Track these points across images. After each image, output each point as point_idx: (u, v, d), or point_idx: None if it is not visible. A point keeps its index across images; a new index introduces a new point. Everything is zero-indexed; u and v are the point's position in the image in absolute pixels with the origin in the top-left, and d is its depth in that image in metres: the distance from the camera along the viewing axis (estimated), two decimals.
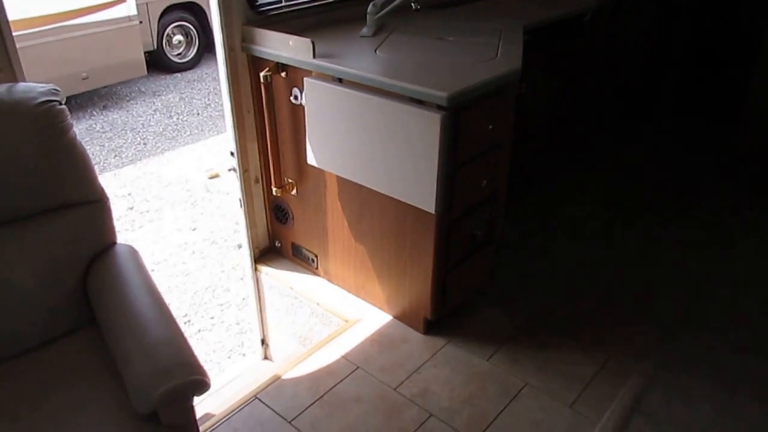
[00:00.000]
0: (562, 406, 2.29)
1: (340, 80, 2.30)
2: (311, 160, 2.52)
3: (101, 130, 6.27)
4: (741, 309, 2.81)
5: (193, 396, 1.55)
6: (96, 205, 1.86)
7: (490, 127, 2.27)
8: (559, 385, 2.38)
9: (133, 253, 1.91)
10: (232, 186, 2.94)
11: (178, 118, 6.63)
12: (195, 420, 1.62)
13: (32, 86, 1.80)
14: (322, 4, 2.88)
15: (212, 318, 3.83)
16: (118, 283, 1.77)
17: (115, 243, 1.92)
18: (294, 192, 2.80)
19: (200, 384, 1.51)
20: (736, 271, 3.07)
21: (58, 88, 1.81)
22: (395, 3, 2.69)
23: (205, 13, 7.91)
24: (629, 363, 2.49)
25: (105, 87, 6.98)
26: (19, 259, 1.78)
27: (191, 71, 8.02)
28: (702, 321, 2.73)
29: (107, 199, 1.90)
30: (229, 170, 2.84)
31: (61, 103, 1.79)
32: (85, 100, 6.73)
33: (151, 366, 1.53)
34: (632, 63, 3.98)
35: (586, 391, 2.35)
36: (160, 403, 1.48)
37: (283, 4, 2.70)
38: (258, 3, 2.61)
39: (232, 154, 2.77)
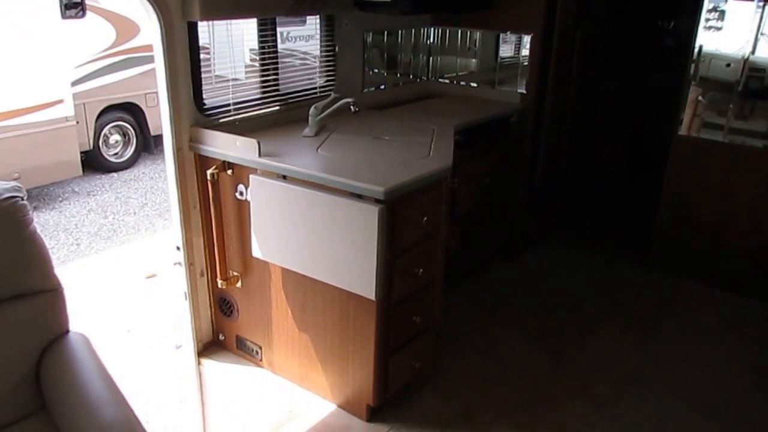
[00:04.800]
0: None
1: (284, 177, 2.62)
2: (256, 252, 2.78)
3: None
4: (671, 387, 3.13)
5: None
6: (53, 293, 2.06)
7: (425, 219, 2.61)
8: None
9: (86, 340, 2.09)
10: (169, 285, 3.12)
11: (113, 218, 6.79)
12: None
13: None
14: (267, 106, 3.26)
15: (147, 423, 3.83)
16: (72, 369, 1.95)
17: (68, 331, 2.11)
18: (239, 284, 3.03)
19: None
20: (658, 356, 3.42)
21: (20, 185, 2.05)
22: (335, 106, 3.08)
23: (144, 113, 8.24)
24: None
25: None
26: None
27: (128, 170, 8.26)
28: (635, 396, 3.03)
29: (62, 288, 2.10)
30: (175, 264, 3.06)
31: (23, 199, 2.02)
32: None
33: None
34: (558, 162, 4.47)
35: None
36: None
37: (231, 107, 3.05)
38: (206, 106, 2.95)
39: (177, 248, 3.00)
